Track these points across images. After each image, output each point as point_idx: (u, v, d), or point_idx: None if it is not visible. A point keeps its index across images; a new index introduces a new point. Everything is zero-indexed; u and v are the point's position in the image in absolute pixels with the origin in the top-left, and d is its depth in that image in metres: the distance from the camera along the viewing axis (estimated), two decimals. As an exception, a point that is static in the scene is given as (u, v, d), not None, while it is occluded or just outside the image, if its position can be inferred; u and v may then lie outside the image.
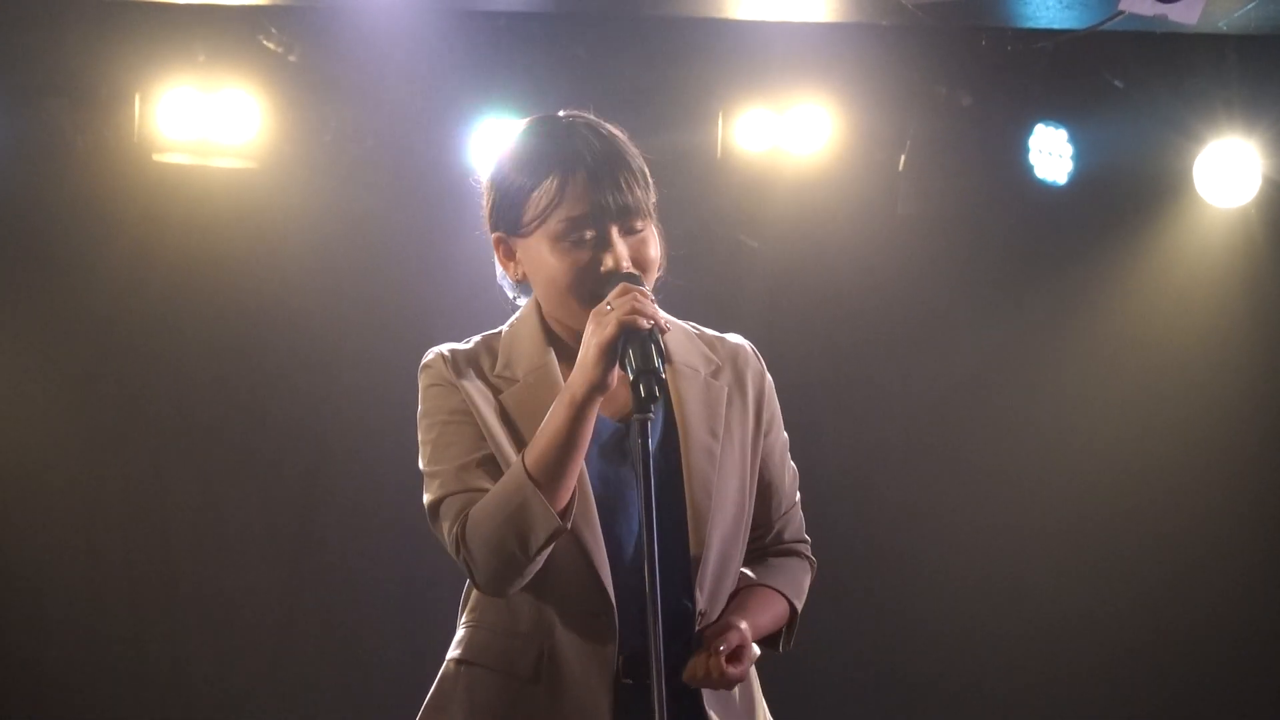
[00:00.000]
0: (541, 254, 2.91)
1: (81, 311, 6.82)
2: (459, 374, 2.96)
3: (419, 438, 2.99)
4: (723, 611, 3.00)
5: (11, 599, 6.79)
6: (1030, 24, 6.22)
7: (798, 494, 3.21)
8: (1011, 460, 7.20)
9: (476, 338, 3.05)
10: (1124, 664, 7.18)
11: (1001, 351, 7.24)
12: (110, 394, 6.86)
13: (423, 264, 6.94)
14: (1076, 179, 6.89)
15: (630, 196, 2.89)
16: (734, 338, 3.14)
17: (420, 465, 2.98)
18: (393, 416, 6.85)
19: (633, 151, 2.98)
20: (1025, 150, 6.82)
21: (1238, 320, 7.25)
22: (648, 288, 2.88)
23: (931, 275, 7.08)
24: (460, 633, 3.06)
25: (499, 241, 3.00)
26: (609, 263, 2.86)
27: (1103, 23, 5.89)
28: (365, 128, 6.67)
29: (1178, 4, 4.81)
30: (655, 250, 2.93)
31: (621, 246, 2.87)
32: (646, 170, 2.98)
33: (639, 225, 2.91)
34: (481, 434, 2.92)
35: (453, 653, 3.06)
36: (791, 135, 6.76)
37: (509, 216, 2.95)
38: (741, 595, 3.05)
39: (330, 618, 7.02)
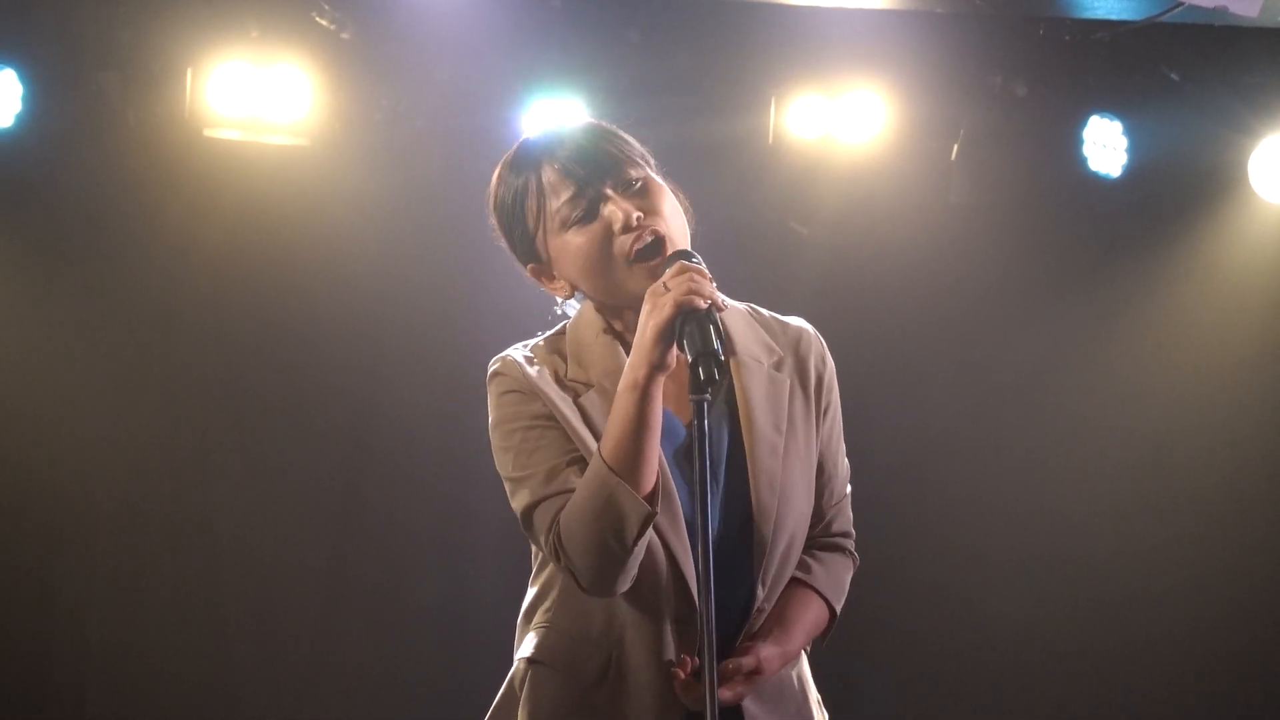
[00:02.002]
0: (564, 252, 2.91)
1: (131, 285, 6.83)
2: (534, 380, 2.93)
3: (496, 444, 2.96)
4: (764, 621, 2.97)
5: (56, 559, 6.80)
6: (1088, 14, 6.17)
7: (849, 486, 3.18)
8: (1060, 453, 7.17)
9: (537, 341, 3.03)
10: (1176, 652, 7.13)
11: (1052, 343, 7.20)
12: (159, 368, 6.86)
13: (470, 244, 6.89)
14: (1130, 172, 6.85)
15: (606, 153, 2.89)
16: (796, 321, 3.10)
17: (503, 472, 2.95)
18: (439, 397, 6.94)
19: (608, 126, 2.98)
20: (1080, 142, 6.79)
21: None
22: (682, 241, 2.88)
23: (982, 266, 7.04)
24: (530, 635, 3.02)
25: (534, 272, 3.00)
26: (619, 217, 2.84)
27: (1162, 14, 5.84)
28: (416, 107, 6.66)
29: (1239, -4, 4.76)
30: (666, 198, 2.90)
31: (623, 200, 2.85)
32: (628, 137, 2.96)
33: (633, 175, 2.89)
34: (567, 437, 2.88)
35: (523, 653, 3.02)
36: (844, 122, 6.73)
37: (524, 246, 2.97)
38: (786, 599, 3.01)
39: (374, 598, 7.02)
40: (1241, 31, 6.39)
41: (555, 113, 6.49)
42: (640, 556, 2.79)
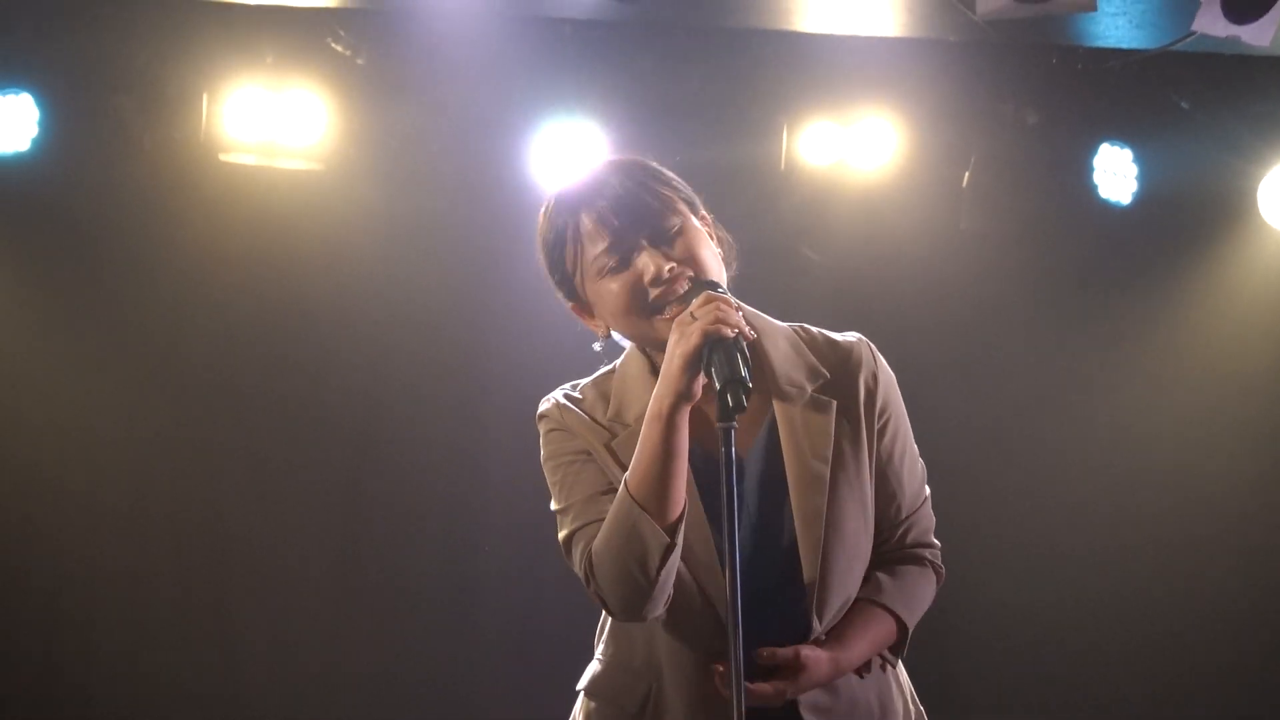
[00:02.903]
0: (600, 297, 2.93)
1: (145, 307, 6.85)
2: (574, 422, 2.97)
3: (548, 480, 3.01)
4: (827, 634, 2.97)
5: (62, 565, 6.81)
6: (1100, 43, 6.19)
7: (926, 491, 3.16)
8: (1070, 480, 7.16)
9: (586, 381, 3.06)
10: (1186, 681, 7.13)
11: (1062, 369, 7.20)
12: (172, 390, 6.87)
13: (484, 270, 6.96)
14: (1140, 199, 6.86)
15: (643, 203, 2.89)
16: (849, 336, 3.09)
17: (552, 506, 3.00)
18: (448, 416, 6.96)
19: (654, 167, 2.98)
20: (1090, 169, 6.80)
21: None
22: (723, 283, 2.88)
23: (993, 292, 7.05)
24: (591, 666, 3.11)
25: (575, 309, 3.03)
26: (650, 270, 2.85)
27: (1174, 43, 5.85)
28: (430, 132, 6.68)
29: (1251, 26, 4.77)
30: (703, 245, 2.90)
31: (656, 253, 2.85)
32: (672, 178, 2.97)
33: (670, 225, 2.89)
34: (604, 471, 2.93)
35: (580, 684, 3.11)
36: (856, 149, 6.76)
37: (566, 286, 2.99)
38: (849, 616, 3.00)
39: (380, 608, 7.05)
40: (1251, 60, 6.40)
41: (570, 138, 6.53)
42: (668, 585, 2.82)
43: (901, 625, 3.04)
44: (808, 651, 2.89)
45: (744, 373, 2.66)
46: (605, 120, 6.55)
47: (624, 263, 2.88)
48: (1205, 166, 6.91)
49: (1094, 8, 4.95)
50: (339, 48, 6.51)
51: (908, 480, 3.09)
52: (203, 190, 6.70)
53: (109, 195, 6.71)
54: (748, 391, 2.65)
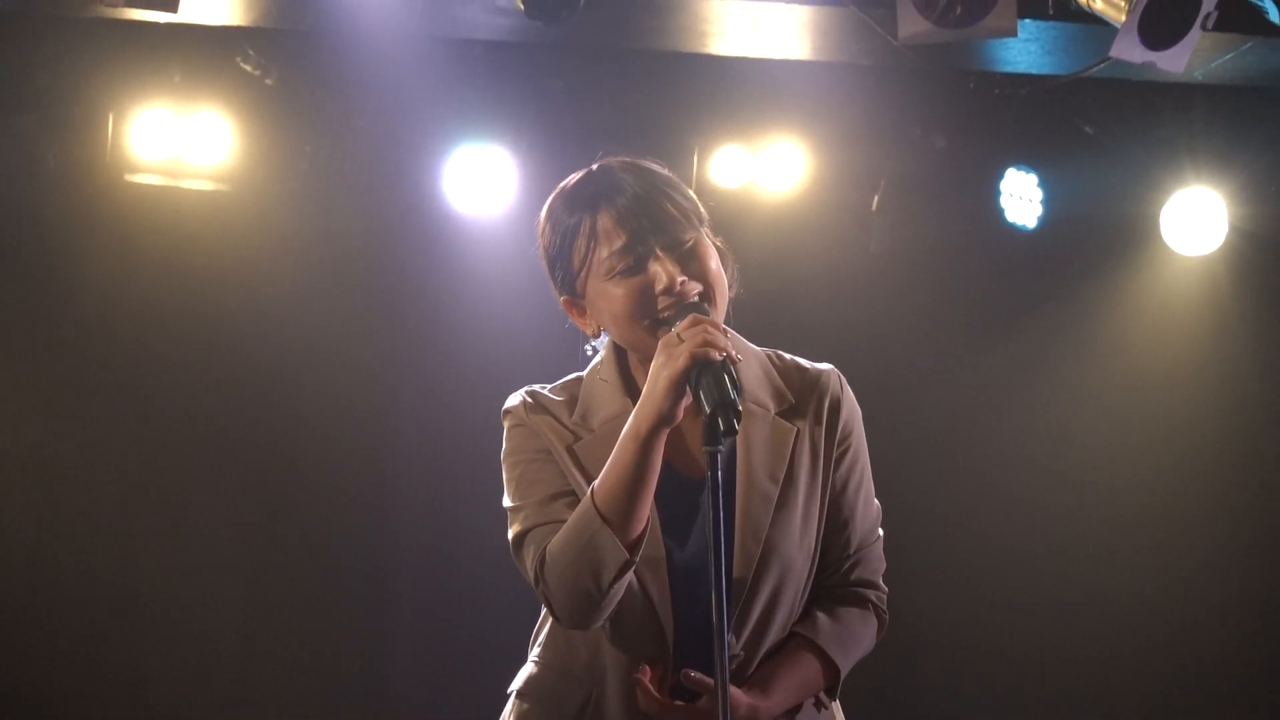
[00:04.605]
0: (601, 297, 2.89)
1: (53, 329, 6.78)
2: (539, 421, 2.95)
3: (504, 476, 2.98)
4: (754, 669, 2.93)
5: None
6: (1011, 68, 6.24)
7: (880, 532, 3.10)
8: (978, 499, 7.23)
9: (561, 382, 3.03)
10: (1114, 666, 7.24)
11: (971, 391, 7.28)
12: (81, 412, 6.81)
13: (394, 292, 6.94)
14: (1046, 223, 6.92)
15: (665, 212, 2.86)
16: (820, 365, 3.07)
17: (504, 502, 2.97)
18: (360, 436, 6.94)
19: (667, 174, 2.95)
20: (996, 193, 6.86)
21: (1203, 364, 7.30)
22: (721, 304, 2.86)
23: (903, 314, 7.11)
24: (525, 668, 3.07)
25: (567, 305, 2.99)
26: (663, 279, 2.82)
27: (1087, 69, 5.91)
28: (340, 154, 6.66)
29: (1167, 52, 4.83)
30: (714, 261, 2.88)
31: (669, 263, 2.84)
32: (687, 190, 2.94)
33: (686, 238, 2.86)
34: (562, 473, 2.91)
35: (513, 686, 3.07)
36: (766, 172, 6.79)
37: (564, 278, 2.95)
38: (779, 659, 2.95)
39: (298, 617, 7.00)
40: (1154, 87, 6.48)
41: (479, 160, 6.52)
42: (617, 598, 2.80)
43: (833, 668, 2.99)
44: (731, 692, 2.79)
45: (733, 396, 2.63)
46: (515, 142, 6.56)
47: (637, 267, 2.84)
48: (1109, 191, 6.98)
49: (1014, 32, 5.00)
50: (248, 67, 6.46)
51: (861, 513, 3.04)
52: (109, 211, 6.65)
53: (13, 215, 6.64)
54: (739, 415, 2.62)
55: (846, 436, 3.02)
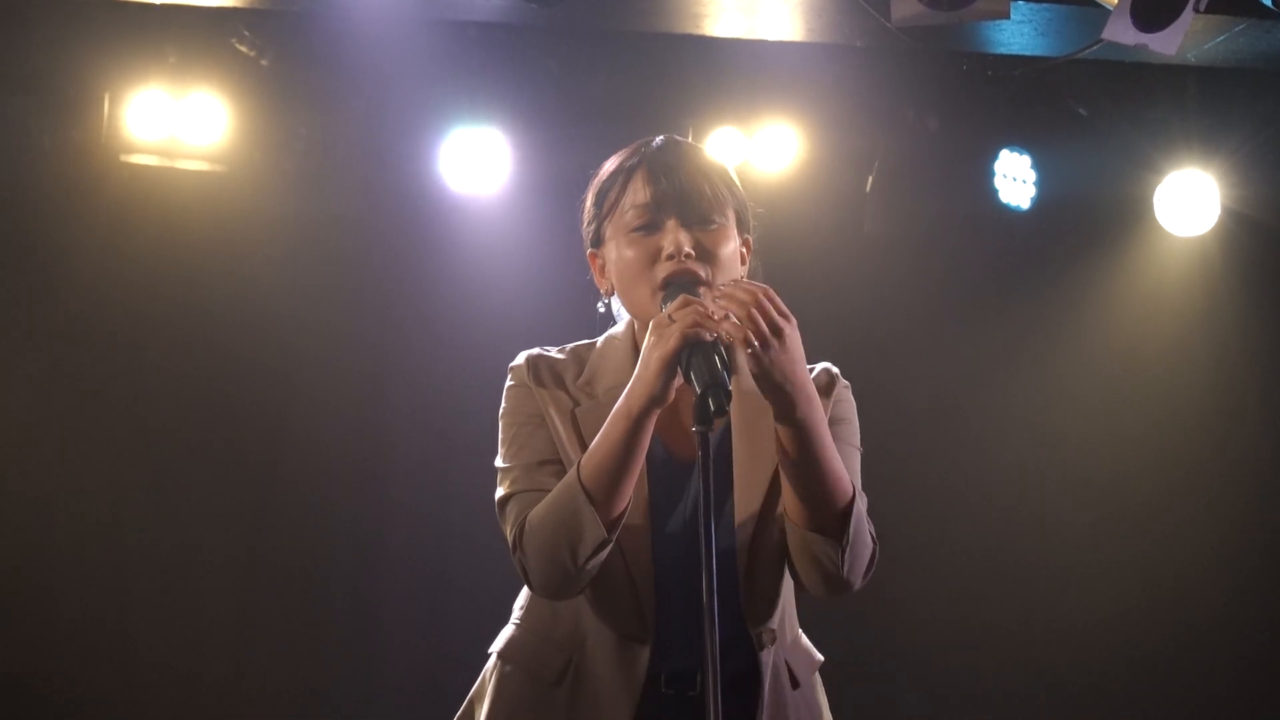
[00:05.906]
0: (616, 251, 2.95)
1: (48, 309, 6.77)
2: (539, 380, 2.98)
3: (500, 433, 3.01)
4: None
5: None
6: (1004, 50, 6.25)
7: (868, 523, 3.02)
8: (972, 479, 7.25)
9: (570, 346, 3.07)
10: (1098, 659, 7.26)
11: (964, 371, 7.29)
12: (74, 394, 6.79)
13: (389, 273, 6.95)
14: (1039, 204, 6.92)
15: (698, 189, 2.91)
16: (818, 365, 3.08)
17: (496, 462, 3.00)
18: (352, 420, 6.94)
19: (720, 165, 3.00)
20: (990, 175, 6.86)
21: (1195, 346, 7.33)
22: (715, 282, 2.85)
23: (896, 295, 7.13)
24: (506, 629, 3.11)
25: (592, 258, 3.04)
26: (669, 245, 2.87)
27: (1080, 51, 5.93)
28: (335, 134, 6.65)
29: (1159, 34, 4.85)
30: (728, 247, 2.91)
31: (681, 233, 2.88)
32: (732, 176, 2.99)
33: (713, 219, 2.91)
34: (554, 440, 2.94)
35: (494, 646, 3.11)
36: (760, 153, 6.79)
37: (594, 229, 3.01)
38: None
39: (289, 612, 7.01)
40: (1147, 69, 6.49)
41: (475, 142, 6.53)
42: (592, 574, 2.83)
43: (847, 500, 2.84)
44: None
45: (724, 377, 2.63)
46: (511, 123, 6.56)
47: (652, 227, 2.90)
48: (1103, 172, 6.99)
49: (1007, 15, 5.02)
50: (243, 48, 6.46)
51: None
52: (104, 191, 6.64)
53: (8, 196, 6.63)
54: (728, 396, 2.62)
55: (838, 421, 3.03)
